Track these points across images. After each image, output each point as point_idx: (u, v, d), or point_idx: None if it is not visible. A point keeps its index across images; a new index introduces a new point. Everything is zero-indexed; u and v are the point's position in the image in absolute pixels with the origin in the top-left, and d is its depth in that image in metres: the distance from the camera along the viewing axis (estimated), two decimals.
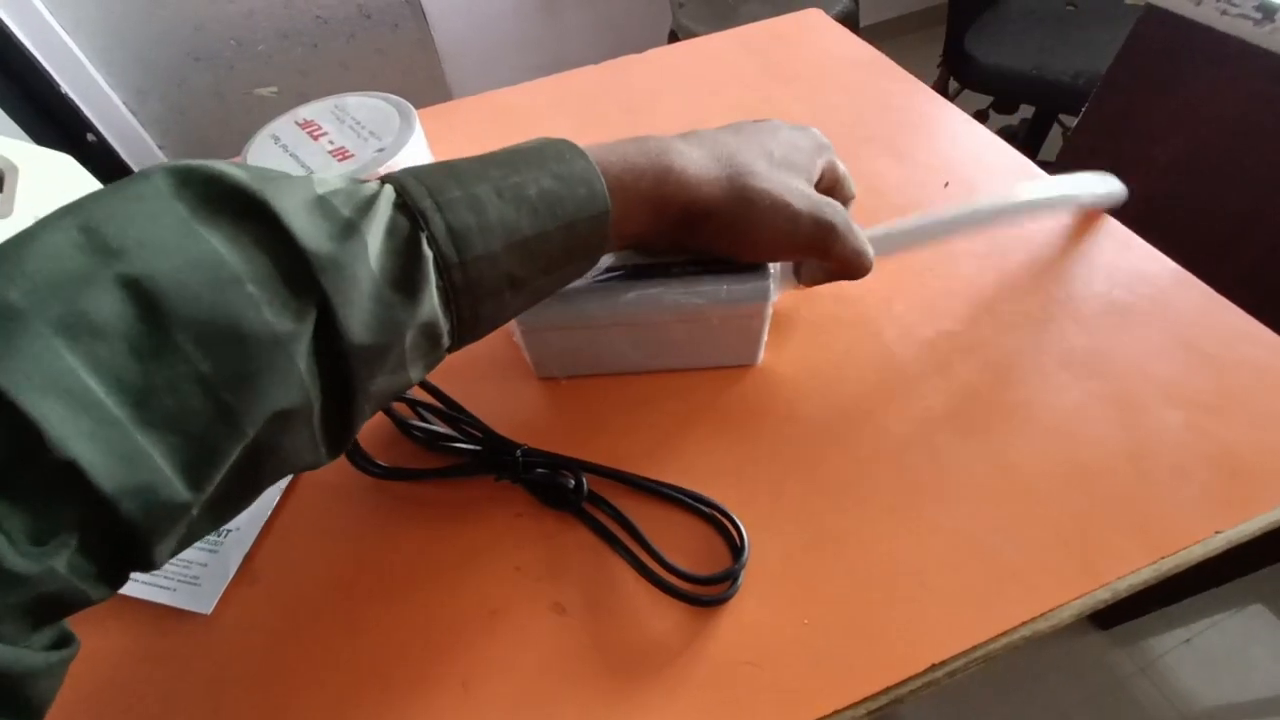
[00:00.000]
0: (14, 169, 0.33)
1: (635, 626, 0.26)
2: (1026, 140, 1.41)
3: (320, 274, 0.17)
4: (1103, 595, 0.25)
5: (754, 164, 0.27)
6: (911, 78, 0.51)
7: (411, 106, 0.44)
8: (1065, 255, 0.37)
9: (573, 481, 0.28)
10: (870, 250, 0.28)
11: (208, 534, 0.19)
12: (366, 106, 0.44)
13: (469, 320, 0.22)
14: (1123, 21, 1.20)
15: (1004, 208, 0.34)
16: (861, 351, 0.34)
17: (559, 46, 1.82)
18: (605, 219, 0.24)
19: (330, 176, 0.20)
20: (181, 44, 1.47)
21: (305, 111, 0.44)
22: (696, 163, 0.26)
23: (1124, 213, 0.38)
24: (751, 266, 0.29)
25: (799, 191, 0.27)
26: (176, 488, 0.16)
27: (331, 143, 0.41)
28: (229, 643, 0.26)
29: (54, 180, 0.34)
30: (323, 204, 0.18)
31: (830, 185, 0.30)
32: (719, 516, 0.28)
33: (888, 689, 0.23)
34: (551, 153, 0.23)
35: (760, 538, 0.27)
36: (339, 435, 0.20)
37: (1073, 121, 1.09)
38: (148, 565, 0.16)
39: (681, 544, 0.27)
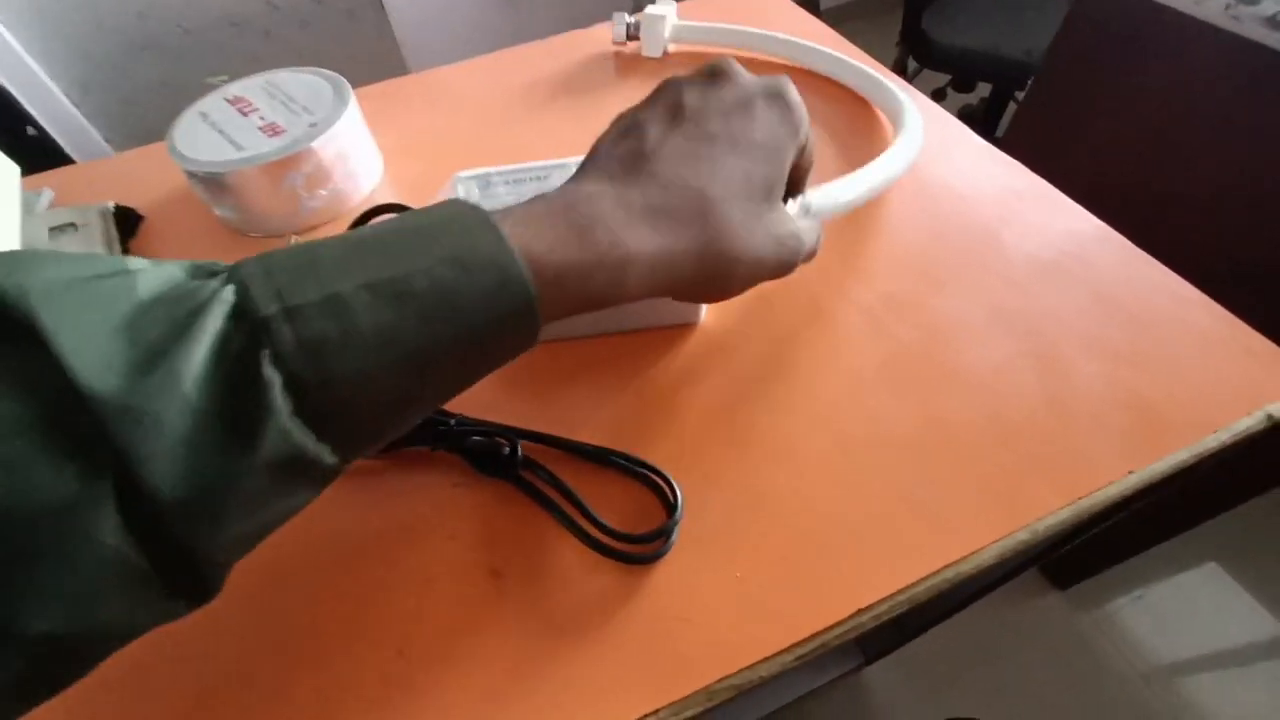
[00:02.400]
0: None
1: (570, 588, 0.26)
2: (985, 118, 1.44)
3: (108, 422, 0.13)
4: (1022, 536, 0.26)
5: (729, 214, 0.22)
6: (866, 57, 0.51)
7: (345, 80, 0.43)
8: (999, 217, 0.37)
9: (508, 448, 0.28)
10: (816, 249, 0.28)
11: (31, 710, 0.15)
12: (299, 82, 0.43)
13: (355, 437, 0.17)
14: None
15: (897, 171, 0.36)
16: (798, 312, 0.34)
17: (520, 33, 1.79)
18: (529, 316, 0.19)
19: (170, 270, 0.16)
20: (125, 32, 1.41)
21: (235, 88, 0.43)
22: (658, 246, 0.21)
23: (1070, 184, 0.39)
24: None
25: (774, 238, 0.23)
26: None
27: (262, 119, 0.40)
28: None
29: None
30: (136, 320, 0.14)
31: (798, 161, 0.26)
32: (654, 477, 0.28)
33: (814, 635, 0.24)
34: (455, 229, 0.18)
35: (696, 497, 0.27)
36: (197, 591, 0.16)
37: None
38: None
39: (618, 506, 0.28)
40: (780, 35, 0.49)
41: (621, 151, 0.23)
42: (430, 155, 0.46)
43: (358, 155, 0.42)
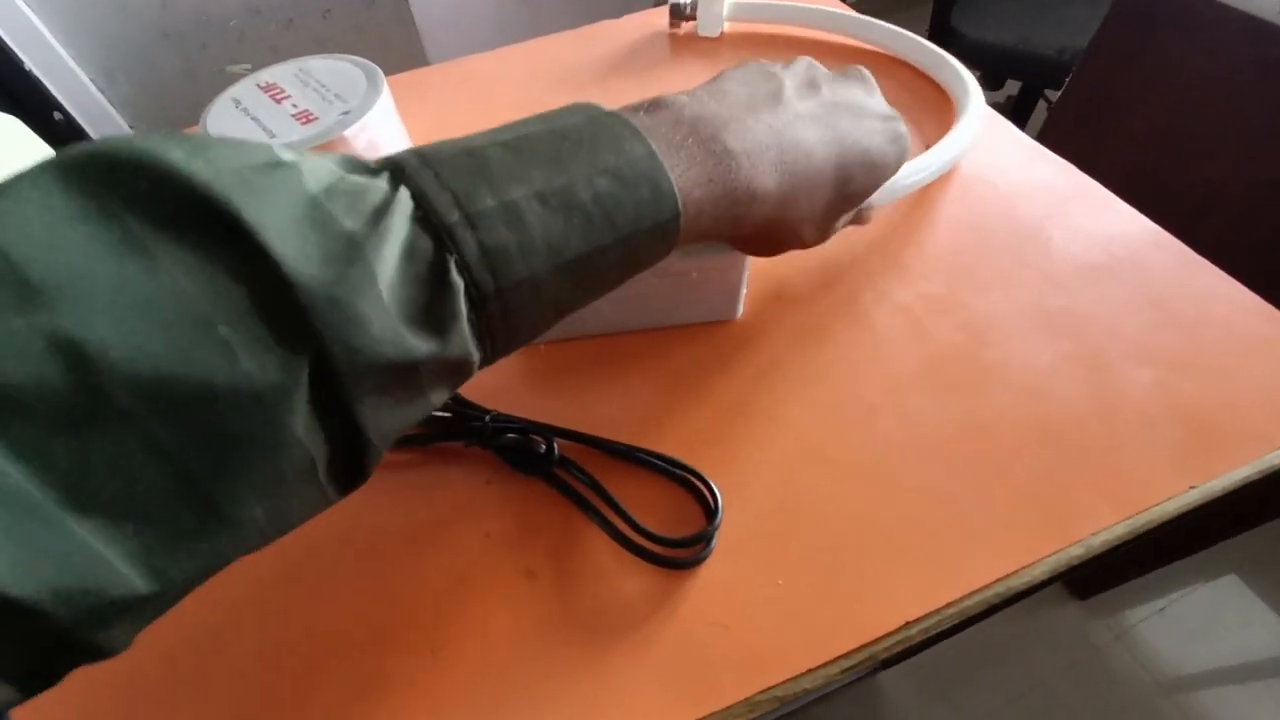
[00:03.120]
0: None
1: (606, 590, 0.25)
2: (1013, 115, 1.41)
3: (313, 312, 0.13)
4: (1076, 552, 0.25)
5: (816, 209, 0.24)
6: (852, 43, 0.50)
7: (378, 68, 0.42)
8: (1046, 217, 0.36)
9: (543, 446, 0.27)
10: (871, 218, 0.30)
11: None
12: (331, 69, 0.43)
13: (503, 343, 0.18)
14: None
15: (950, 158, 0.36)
16: (838, 313, 0.33)
17: (541, 21, 1.78)
18: (673, 228, 0.19)
19: (322, 162, 0.15)
20: (148, 21, 1.42)
21: (268, 75, 0.43)
22: (771, 184, 0.22)
23: (1107, 181, 0.38)
24: None
25: (831, 232, 0.27)
26: (132, 583, 0.12)
27: (295, 106, 0.40)
28: (189, 617, 0.26)
29: None
30: (317, 211, 0.14)
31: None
32: (693, 480, 0.27)
33: (861, 647, 0.23)
34: (605, 138, 0.19)
35: (734, 500, 0.27)
36: (351, 480, 0.17)
37: (1057, 97, 1.09)
38: (104, 656, 0.14)
39: (655, 507, 0.27)
40: (840, 11, 0.48)
41: (761, 93, 0.23)
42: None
43: (389, 144, 0.41)
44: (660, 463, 0.28)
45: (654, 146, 0.19)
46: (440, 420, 0.30)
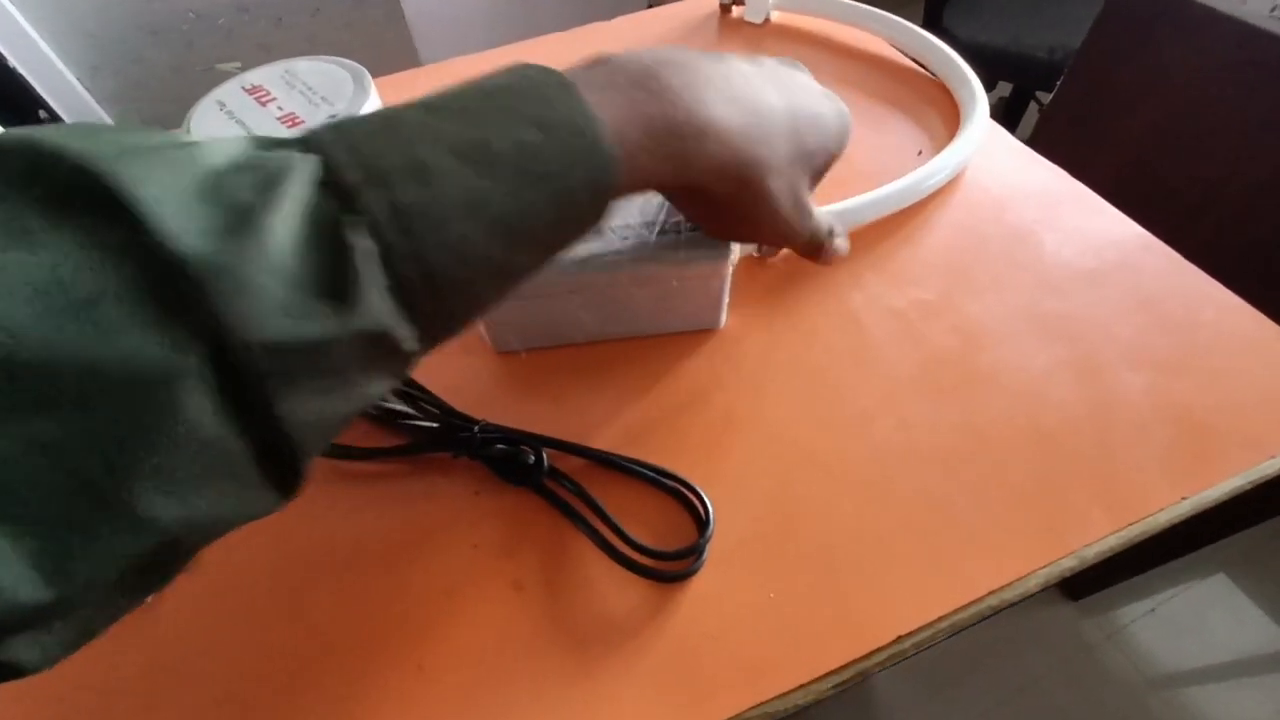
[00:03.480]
0: None
1: (595, 603, 0.25)
2: (1004, 117, 1.42)
3: (202, 286, 0.13)
4: (1069, 563, 0.25)
5: (778, 156, 0.23)
6: (887, 46, 0.50)
7: (365, 70, 0.41)
8: (1037, 221, 0.36)
9: (532, 457, 0.27)
10: (846, 248, 0.29)
11: (127, 613, 0.15)
12: (318, 71, 0.42)
13: (438, 318, 0.17)
14: None
15: (942, 176, 0.37)
16: (827, 318, 0.33)
17: (535, 20, 1.77)
18: (608, 180, 0.18)
19: (235, 142, 0.15)
20: (135, 17, 1.40)
21: (253, 76, 0.42)
22: (720, 114, 0.21)
23: (1098, 183, 0.38)
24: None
25: (804, 206, 0.25)
26: (27, 588, 0.12)
27: (280, 109, 0.39)
28: (168, 631, 0.25)
29: None
30: (213, 185, 0.13)
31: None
32: (684, 491, 0.27)
33: (853, 662, 0.23)
34: (529, 91, 0.18)
35: (725, 510, 0.26)
36: (286, 482, 0.16)
37: (1049, 99, 1.09)
38: (16, 674, 0.13)
39: (646, 518, 0.27)
40: (880, 12, 0.48)
41: (700, 57, 0.23)
42: None
43: None
44: (650, 473, 0.27)
45: (581, 93, 0.18)
46: (427, 430, 0.29)
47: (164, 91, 1.49)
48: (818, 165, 0.26)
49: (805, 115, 0.24)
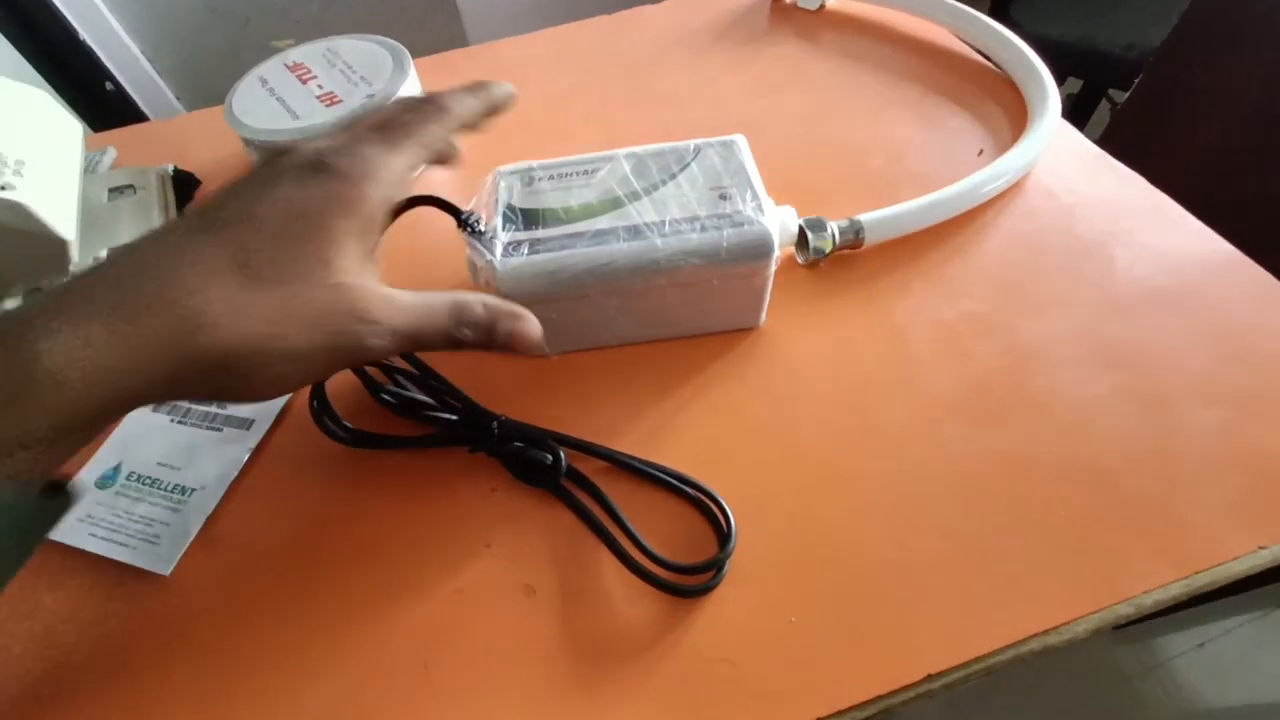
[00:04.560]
0: None
1: (608, 614, 0.24)
2: (1072, 115, 1.34)
3: None
4: (1124, 610, 0.23)
5: (208, 305, 0.17)
6: (949, 36, 0.47)
7: (405, 50, 0.41)
8: (1108, 233, 0.33)
9: (550, 457, 0.26)
10: (531, 331, 0.22)
11: None
12: (359, 50, 0.42)
13: None
14: None
15: (1006, 180, 0.34)
16: (871, 329, 0.31)
17: (581, 5, 1.75)
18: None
19: None
20: None
21: (295, 54, 0.42)
22: (85, 354, 0.16)
23: (1174, 193, 0.34)
24: (750, 219, 0.27)
25: (305, 321, 0.18)
26: None
27: (320, 87, 0.39)
28: (184, 607, 0.25)
29: (22, 116, 0.32)
30: None
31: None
32: (706, 501, 0.26)
33: (878, 698, 0.21)
34: None
35: (749, 525, 0.25)
36: None
37: (1122, 96, 1.03)
38: None
39: (665, 528, 0.25)
40: (945, 0, 0.45)
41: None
42: (486, 135, 0.44)
43: None
44: (673, 480, 0.26)
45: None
46: (446, 423, 0.29)
47: (221, 68, 1.52)
48: (301, 252, 0.19)
49: (240, 229, 0.18)
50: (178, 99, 1.55)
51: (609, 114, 0.44)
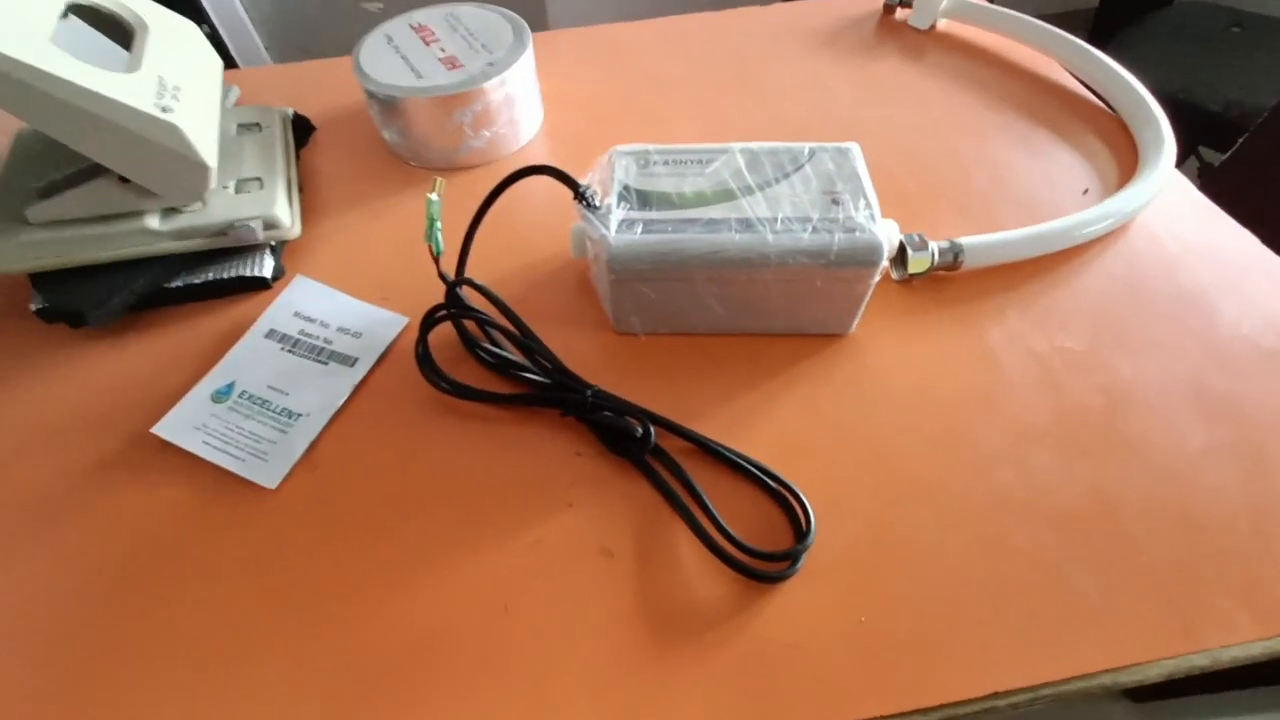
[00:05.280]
0: (145, 27, 0.33)
1: (682, 587, 0.25)
2: None
3: None
4: (1200, 661, 0.23)
5: None
6: (1059, 69, 0.46)
7: (525, 23, 0.42)
8: (1214, 286, 0.33)
9: (640, 429, 0.27)
10: None
11: None
12: (480, 17, 0.43)
13: None
14: None
15: (1112, 221, 0.34)
16: (961, 350, 0.31)
17: (642, 6, 1.76)
18: None
19: None
20: None
21: (419, 16, 0.44)
22: None
23: None
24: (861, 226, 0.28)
25: None
26: None
27: (443, 50, 0.41)
28: (284, 521, 0.27)
29: (180, 46, 0.34)
30: None
31: None
32: (786, 494, 0.26)
33: (943, 705, 0.22)
34: None
35: (825, 523, 0.26)
36: None
37: (1212, 156, 1.00)
38: None
39: (741, 515, 0.26)
40: (1060, 32, 0.45)
41: None
42: (591, 114, 0.45)
43: (524, 102, 0.42)
44: (755, 470, 0.27)
45: None
46: (538, 384, 0.30)
47: (312, 21, 1.57)
48: None
49: None
50: (266, 49, 1.60)
51: (714, 104, 0.45)
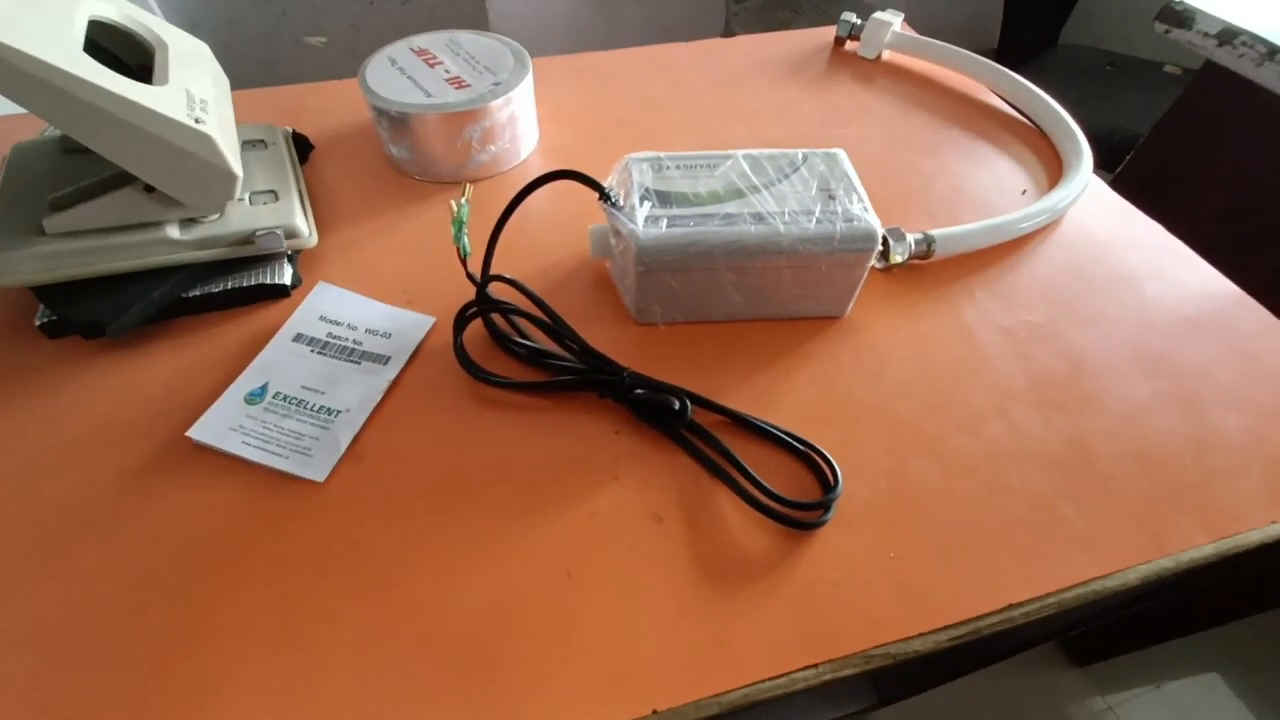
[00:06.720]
0: (163, 44, 0.34)
1: (730, 541, 0.27)
2: None
3: None
4: (1167, 564, 0.27)
5: None
6: (986, 92, 0.53)
7: (524, 49, 0.45)
8: (1139, 267, 0.39)
9: (678, 403, 0.30)
10: None
11: None
12: (479, 43, 0.46)
13: None
14: (1159, 87, 1.24)
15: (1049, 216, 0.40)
16: (942, 326, 0.35)
17: (611, 38, 1.84)
18: None
19: None
20: None
21: (419, 40, 0.46)
22: None
23: None
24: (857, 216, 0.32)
25: None
26: None
27: (447, 71, 0.43)
28: (340, 508, 0.27)
29: (198, 63, 0.35)
30: None
31: None
32: (813, 455, 0.29)
33: (969, 619, 0.25)
34: None
35: (847, 479, 0.29)
36: None
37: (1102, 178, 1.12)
38: None
39: (772, 476, 0.29)
40: (988, 62, 0.51)
41: None
42: (582, 131, 0.48)
43: (525, 120, 0.44)
44: (783, 435, 0.30)
45: None
46: (572, 369, 0.32)
47: (252, 56, 1.55)
48: None
49: None
50: None
51: (700, 121, 0.49)
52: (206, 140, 0.30)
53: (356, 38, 1.59)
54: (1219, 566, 0.28)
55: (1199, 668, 1.04)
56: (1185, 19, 0.65)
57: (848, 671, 0.24)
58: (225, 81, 0.38)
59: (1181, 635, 0.99)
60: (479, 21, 1.66)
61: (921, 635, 0.25)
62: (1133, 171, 0.84)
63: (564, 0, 1.79)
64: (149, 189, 0.32)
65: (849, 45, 0.58)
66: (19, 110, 0.27)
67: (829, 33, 0.59)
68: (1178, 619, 0.94)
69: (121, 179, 0.31)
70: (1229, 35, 0.62)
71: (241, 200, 0.36)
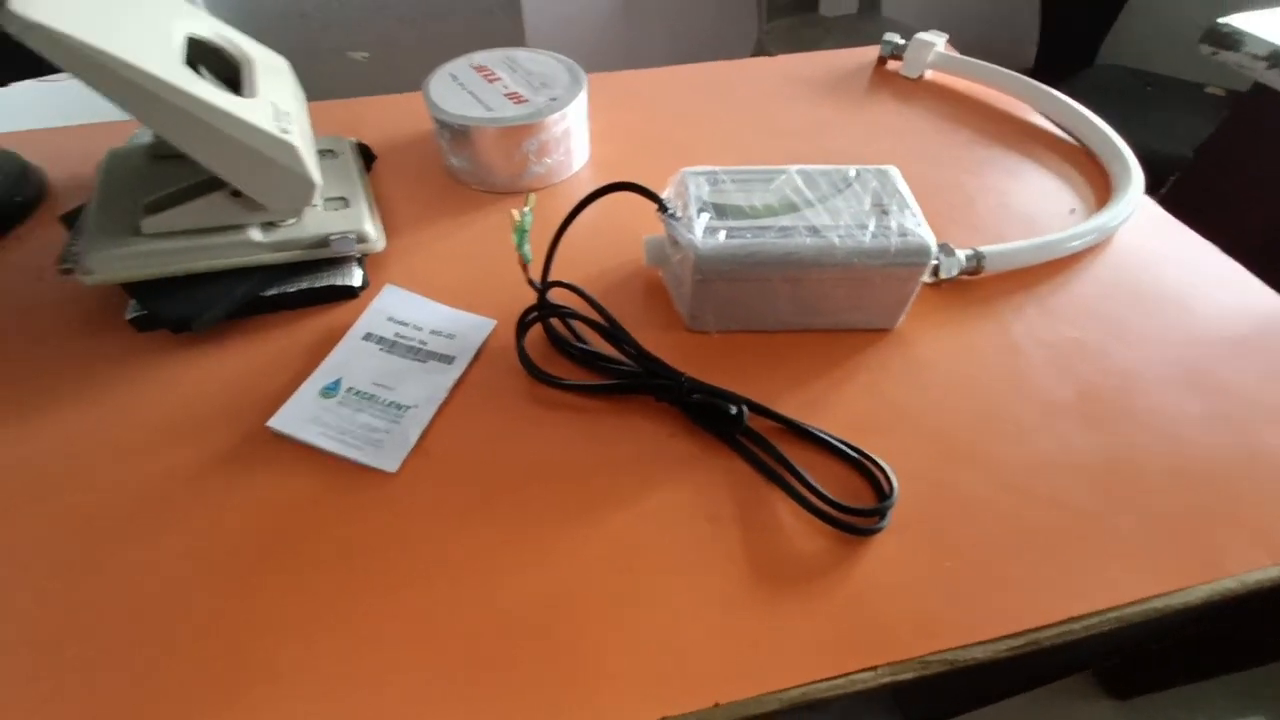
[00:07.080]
0: (249, 60, 0.36)
1: (784, 544, 0.28)
2: None
3: None
4: (1230, 585, 0.27)
5: None
6: (1030, 111, 0.54)
7: (579, 66, 0.47)
8: (1189, 285, 0.39)
9: (735, 409, 0.30)
10: None
11: None
12: (536, 60, 0.48)
13: None
14: (1200, 108, 1.23)
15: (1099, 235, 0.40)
16: (990, 341, 0.36)
17: (643, 56, 1.88)
18: None
19: None
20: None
21: (479, 58, 0.48)
22: None
23: None
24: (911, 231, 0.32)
25: None
26: None
27: (505, 87, 0.45)
28: (411, 499, 0.29)
29: (280, 78, 0.37)
30: None
31: None
32: (867, 463, 0.30)
33: (1028, 630, 0.25)
34: None
35: (902, 488, 0.29)
36: None
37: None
38: None
39: (824, 483, 0.29)
40: (1033, 81, 0.52)
41: None
42: (631, 146, 0.50)
43: (578, 135, 0.46)
44: (838, 443, 0.30)
45: None
46: (631, 373, 0.33)
47: (297, 69, 1.62)
48: None
49: None
50: None
51: (746, 137, 0.50)
52: (291, 150, 0.32)
53: (394, 53, 1.64)
54: (1265, 597, 0.27)
55: (1242, 707, 1.00)
56: (1233, 41, 0.65)
57: (906, 675, 0.24)
58: (302, 94, 0.40)
59: (1225, 672, 0.96)
60: (514, 39, 1.71)
61: (981, 643, 0.25)
62: (1179, 191, 0.83)
63: (597, 20, 1.83)
64: (236, 194, 0.34)
65: (890, 65, 0.59)
66: (111, 118, 0.29)
67: (869, 53, 0.60)
68: (1221, 653, 0.92)
69: (211, 184, 0.33)
70: (1279, 58, 0.62)
71: (315, 206, 0.38)
